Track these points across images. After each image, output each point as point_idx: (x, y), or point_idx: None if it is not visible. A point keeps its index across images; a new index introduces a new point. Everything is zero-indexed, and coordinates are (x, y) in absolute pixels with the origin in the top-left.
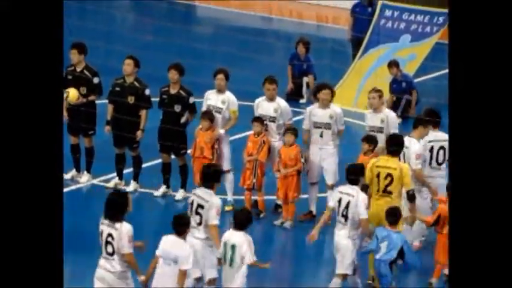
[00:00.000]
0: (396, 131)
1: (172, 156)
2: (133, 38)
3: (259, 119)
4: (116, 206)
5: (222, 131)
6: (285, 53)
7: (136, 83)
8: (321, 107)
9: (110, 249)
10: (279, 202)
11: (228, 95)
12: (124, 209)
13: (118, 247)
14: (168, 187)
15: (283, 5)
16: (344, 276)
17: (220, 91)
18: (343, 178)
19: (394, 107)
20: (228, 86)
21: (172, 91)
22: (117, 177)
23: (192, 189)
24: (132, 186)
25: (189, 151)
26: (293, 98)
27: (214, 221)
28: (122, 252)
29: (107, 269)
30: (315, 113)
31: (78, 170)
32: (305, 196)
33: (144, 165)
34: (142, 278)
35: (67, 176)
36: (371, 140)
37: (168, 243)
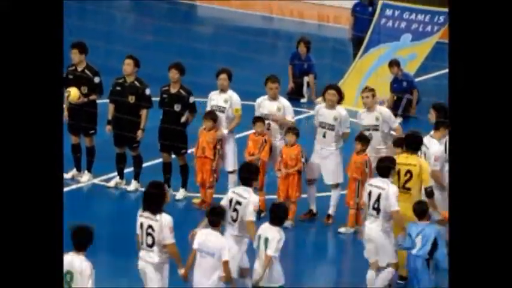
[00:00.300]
0: (395, 124)
1: (173, 156)
2: (134, 38)
3: (261, 119)
4: (155, 198)
5: (225, 131)
6: (285, 53)
7: (136, 83)
8: (327, 107)
9: (149, 240)
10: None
11: (231, 94)
12: (163, 200)
13: (159, 238)
14: (168, 186)
15: (284, 4)
16: (396, 266)
17: (223, 90)
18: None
19: (395, 106)
20: (230, 86)
21: (173, 90)
22: (117, 177)
23: (192, 189)
24: (133, 186)
25: (191, 150)
26: (294, 97)
27: (251, 217)
28: (164, 243)
29: (146, 261)
30: (322, 112)
31: (79, 170)
32: (305, 196)
33: (144, 165)
34: (182, 271)
35: (68, 176)
36: (364, 140)
37: (204, 236)
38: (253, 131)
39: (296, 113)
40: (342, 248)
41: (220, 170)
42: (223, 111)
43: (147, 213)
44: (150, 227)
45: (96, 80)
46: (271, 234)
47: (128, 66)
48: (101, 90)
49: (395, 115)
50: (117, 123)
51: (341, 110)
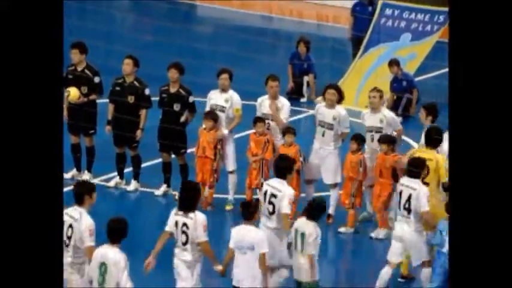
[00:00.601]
0: (399, 127)
1: (173, 156)
2: (134, 38)
3: (262, 119)
4: (190, 197)
5: (226, 131)
6: (285, 52)
7: (136, 83)
8: (326, 106)
9: (184, 238)
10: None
11: (232, 94)
12: (197, 198)
13: (193, 236)
14: (168, 186)
15: (284, 4)
16: (429, 264)
17: (224, 90)
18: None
19: (394, 106)
20: (230, 86)
21: (172, 90)
22: (117, 177)
23: None
24: (132, 186)
25: (190, 150)
26: (294, 97)
27: (286, 210)
28: (198, 241)
29: (180, 258)
30: (321, 111)
31: (79, 170)
32: (304, 195)
33: (144, 165)
34: (219, 267)
35: (68, 176)
36: (359, 139)
37: (240, 232)
38: (253, 131)
39: (296, 112)
40: (342, 247)
41: (220, 170)
42: (223, 111)
43: (181, 212)
44: (184, 225)
45: (96, 79)
46: (308, 230)
47: (127, 66)
48: (101, 90)
49: (396, 115)
50: (117, 123)
51: (340, 109)
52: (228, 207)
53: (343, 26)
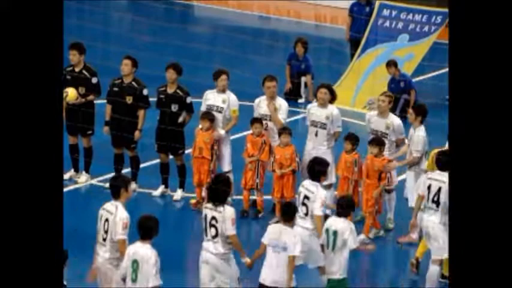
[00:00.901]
0: (402, 136)
1: (170, 157)
2: (131, 38)
3: (259, 120)
4: (220, 191)
5: (222, 132)
6: (283, 53)
7: (134, 83)
8: (319, 106)
9: (213, 231)
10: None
11: (229, 95)
12: (228, 192)
13: (222, 229)
14: (166, 187)
15: (281, 4)
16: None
17: (222, 91)
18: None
19: (392, 106)
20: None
21: (170, 91)
22: None
23: (190, 189)
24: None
25: (188, 151)
26: (291, 97)
27: (319, 212)
28: (226, 234)
29: (210, 251)
30: (313, 111)
31: (77, 170)
32: None
33: (142, 165)
34: (247, 260)
35: (65, 176)
36: (353, 139)
37: (276, 231)
38: (249, 132)
39: (293, 113)
40: None
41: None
42: (220, 112)
43: (210, 205)
44: (213, 218)
45: (94, 80)
46: (340, 226)
47: (126, 66)
48: (99, 90)
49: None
50: (115, 124)
51: (333, 108)
52: None
53: (340, 26)
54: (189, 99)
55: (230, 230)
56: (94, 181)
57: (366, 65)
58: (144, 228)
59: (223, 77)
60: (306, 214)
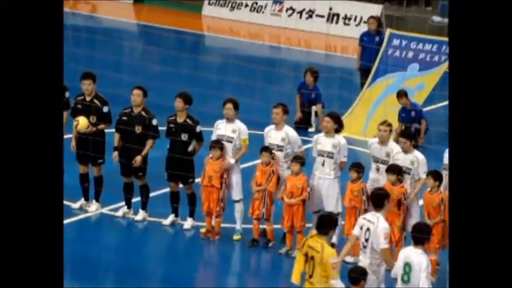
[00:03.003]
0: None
1: (181, 185)
2: (142, 67)
3: (268, 149)
4: (380, 196)
5: (232, 161)
6: (293, 82)
7: (143, 113)
8: (325, 135)
9: (366, 243)
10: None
11: (238, 124)
12: (384, 201)
13: (374, 242)
14: (176, 216)
15: (292, 34)
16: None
17: (230, 120)
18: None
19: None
20: (237, 116)
21: (179, 120)
22: (125, 206)
23: (201, 218)
24: (140, 215)
25: (198, 180)
26: (302, 126)
27: (384, 245)
28: (379, 247)
29: (362, 262)
30: (320, 141)
31: (87, 199)
32: (310, 225)
33: (152, 194)
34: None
35: (76, 205)
36: (358, 167)
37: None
38: (259, 160)
39: (303, 142)
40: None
41: (227, 199)
42: (230, 141)
43: (369, 216)
44: (368, 230)
45: (105, 109)
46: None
47: (137, 97)
48: (110, 119)
49: None
50: (124, 153)
51: (340, 138)
52: (236, 237)
53: (351, 56)
54: (198, 128)
55: (382, 244)
56: (104, 210)
57: (376, 94)
58: (419, 233)
59: (229, 105)
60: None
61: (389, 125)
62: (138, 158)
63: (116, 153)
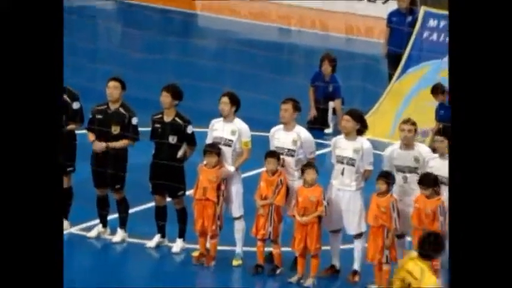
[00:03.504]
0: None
1: (168, 199)
2: (121, 54)
3: (274, 154)
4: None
5: (231, 168)
6: (306, 73)
7: (122, 110)
8: (345, 137)
9: None
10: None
11: (238, 124)
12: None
13: None
14: (163, 236)
15: (305, 14)
16: None
17: (227, 119)
18: None
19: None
20: (236, 113)
21: (167, 119)
22: (100, 225)
23: (192, 239)
24: (118, 236)
25: (189, 192)
26: (316, 127)
27: None
28: None
29: None
30: (339, 144)
31: None
32: (326, 247)
33: (133, 210)
34: None
35: None
36: (389, 178)
37: None
38: (264, 168)
39: (319, 146)
40: None
41: (225, 216)
42: (229, 145)
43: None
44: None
45: (75, 105)
46: None
47: (114, 90)
48: (81, 118)
49: None
50: (97, 160)
51: (364, 141)
52: (235, 262)
53: (376, 40)
54: (190, 129)
55: None
56: (74, 229)
57: (407, 87)
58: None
59: (225, 99)
60: None
61: (414, 123)
62: (103, 145)
63: (98, 143)
